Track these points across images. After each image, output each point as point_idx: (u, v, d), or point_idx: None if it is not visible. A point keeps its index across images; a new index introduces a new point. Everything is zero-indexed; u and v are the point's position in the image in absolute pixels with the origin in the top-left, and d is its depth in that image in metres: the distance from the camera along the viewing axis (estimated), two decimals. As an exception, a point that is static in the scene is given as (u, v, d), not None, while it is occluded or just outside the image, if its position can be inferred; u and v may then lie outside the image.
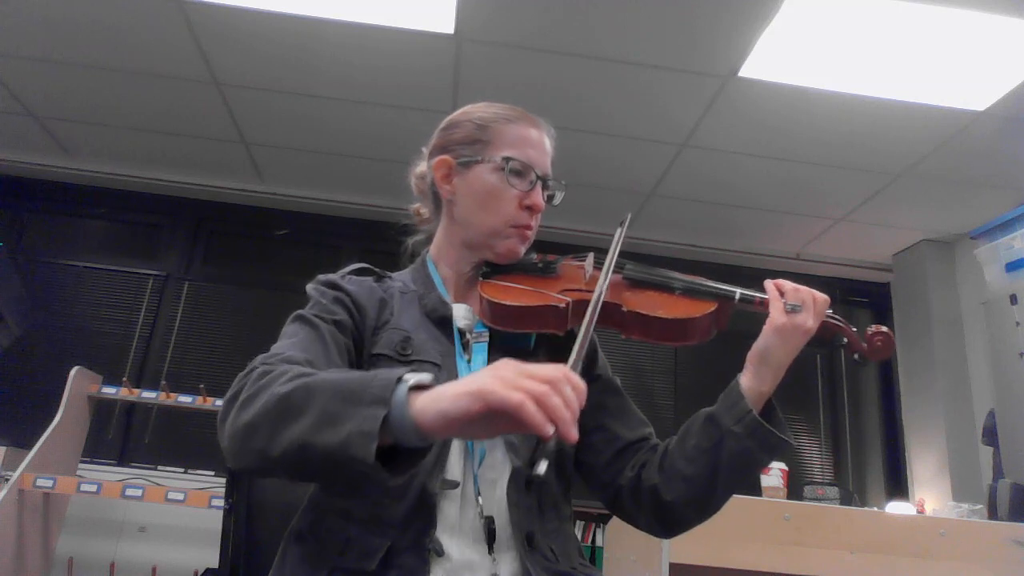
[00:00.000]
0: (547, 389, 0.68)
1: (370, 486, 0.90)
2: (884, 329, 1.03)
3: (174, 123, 3.57)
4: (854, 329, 1.04)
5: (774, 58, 2.73)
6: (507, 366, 0.71)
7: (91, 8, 2.79)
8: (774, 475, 2.43)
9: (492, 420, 0.69)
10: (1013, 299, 2.99)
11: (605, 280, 1.01)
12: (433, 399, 0.72)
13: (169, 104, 3.41)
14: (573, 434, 0.69)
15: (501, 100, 1.20)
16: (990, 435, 3.17)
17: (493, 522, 0.96)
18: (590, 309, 0.95)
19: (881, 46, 2.63)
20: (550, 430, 0.68)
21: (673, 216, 4.05)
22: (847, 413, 4.37)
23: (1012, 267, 3.14)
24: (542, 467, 0.75)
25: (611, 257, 1.06)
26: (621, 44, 2.76)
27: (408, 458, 0.76)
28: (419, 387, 0.74)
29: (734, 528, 2.10)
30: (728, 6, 2.52)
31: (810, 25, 2.55)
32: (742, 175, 3.58)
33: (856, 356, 1.04)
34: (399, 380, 0.74)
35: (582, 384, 0.72)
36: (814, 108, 3.00)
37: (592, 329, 0.94)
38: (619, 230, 1.11)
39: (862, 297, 4.55)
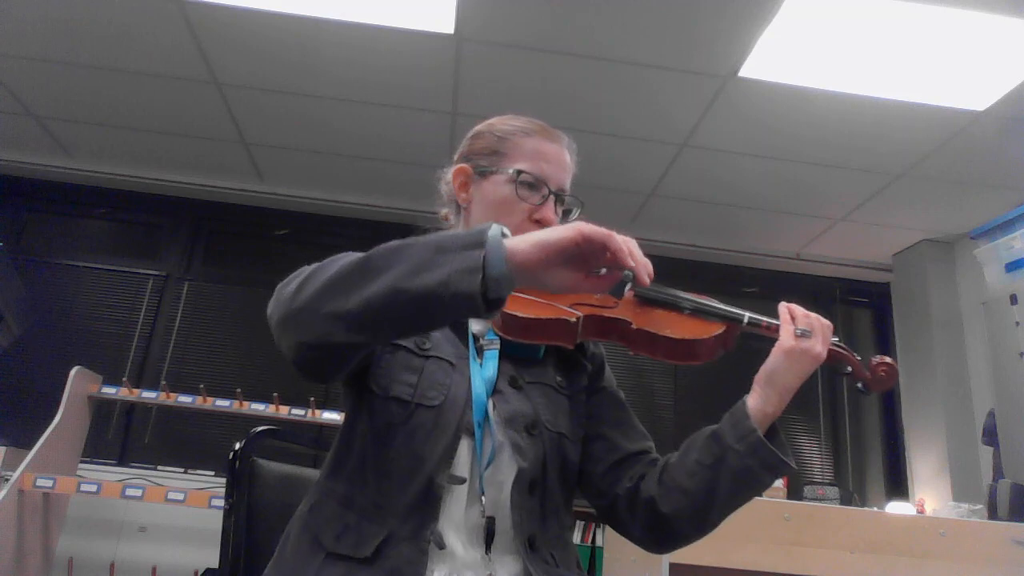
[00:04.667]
0: (628, 239, 0.85)
1: (436, 319, 0.92)
2: (888, 360, 1.04)
3: (174, 123, 3.57)
4: (858, 358, 1.05)
5: (774, 58, 2.73)
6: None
7: (91, 8, 2.79)
8: (774, 475, 2.42)
9: (576, 255, 0.82)
10: (1013, 299, 3.00)
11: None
12: (528, 236, 0.82)
13: (169, 104, 3.40)
14: (646, 279, 0.84)
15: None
16: (990, 435, 3.17)
17: (494, 522, 0.97)
18: None
19: (881, 46, 2.63)
20: (631, 262, 0.83)
21: (673, 216, 4.05)
22: (847, 413, 4.37)
23: (1012, 267, 3.14)
24: (627, 286, 0.85)
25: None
26: (621, 44, 2.76)
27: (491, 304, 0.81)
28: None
29: (734, 528, 2.09)
30: (728, 6, 2.52)
31: (810, 25, 2.55)
32: (742, 175, 3.58)
33: (859, 385, 1.05)
34: (488, 229, 0.81)
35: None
36: (814, 108, 3.00)
37: None
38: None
39: (862, 297, 4.54)
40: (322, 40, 2.86)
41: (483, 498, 0.98)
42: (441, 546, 0.94)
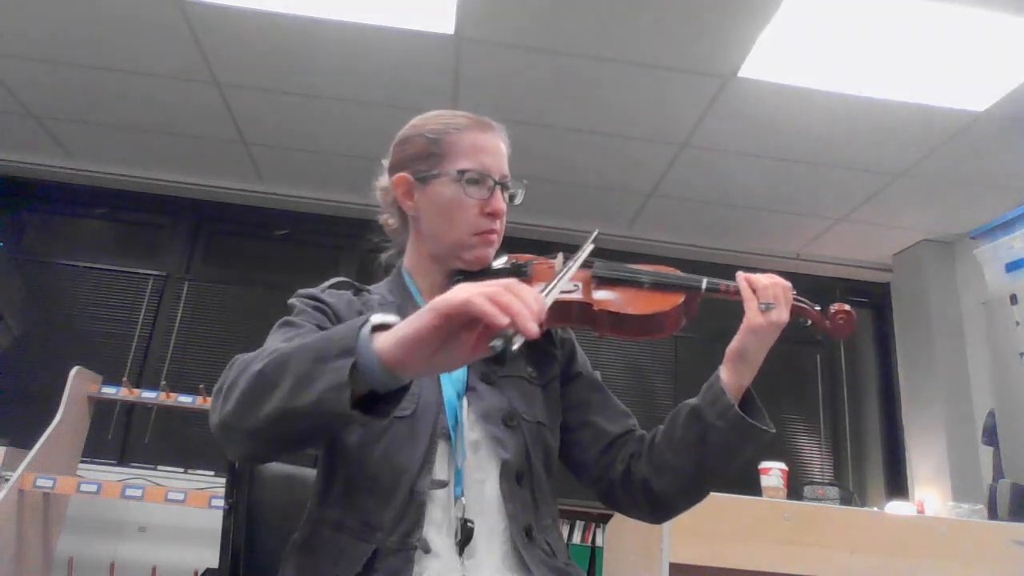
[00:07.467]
0: (498, 289, 0.70)
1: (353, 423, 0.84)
2: (847, 308, 1.08)
3: (174, 123, 3.57)
4: (818, 308, 1.09)
5: (774, 58, 2.73)
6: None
7: (91, 8, 2.79)
8: (774, 475, 2.42)
9: (450, 333, 0.71)
10: (1013, 299, 3.00)
11: (574, 264, 1.04)
12: (392, 331, 0.74)
13: (169, 104, 3.40)
14: (531, 329, 0.68)
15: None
16: (990, 435, 3.18)
17: (468, 523, 0.98)
18: (558, 278, 0.90)
19: (881, 46, 2.63)
20: (504, 320, 0.68)
21: (673, 216, 4.05)
22: (847, 413, 4.37)
23: (1012, 267, 3.14)
24: (516, 343, 0.68)
25: (578, 257, 1.08)
26: (621, 44, 2.76)
27: (388, 399, 0.77)
28: (383, 327, 0.75)
29: (734, 528, 2.10)
30: (728, 6, 2.52)
31: (810, 25, 2.55)
32: (742, 175, 3.58)
33: (820, 337, 1.11)
34: (362, 326, 0.76)
35: (537, 292, 0.72)
36: (814, 108, 3.00)
37: (564, 276, 0.93)
38: (588, 244, 1.12)
39: (862, 297, 4.54)
40: (322, 40, 2.86)
41: (462, 500, 0.99)
42: (427, 550, 0.95)
